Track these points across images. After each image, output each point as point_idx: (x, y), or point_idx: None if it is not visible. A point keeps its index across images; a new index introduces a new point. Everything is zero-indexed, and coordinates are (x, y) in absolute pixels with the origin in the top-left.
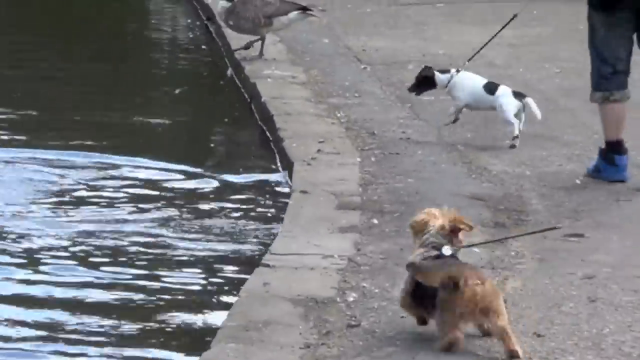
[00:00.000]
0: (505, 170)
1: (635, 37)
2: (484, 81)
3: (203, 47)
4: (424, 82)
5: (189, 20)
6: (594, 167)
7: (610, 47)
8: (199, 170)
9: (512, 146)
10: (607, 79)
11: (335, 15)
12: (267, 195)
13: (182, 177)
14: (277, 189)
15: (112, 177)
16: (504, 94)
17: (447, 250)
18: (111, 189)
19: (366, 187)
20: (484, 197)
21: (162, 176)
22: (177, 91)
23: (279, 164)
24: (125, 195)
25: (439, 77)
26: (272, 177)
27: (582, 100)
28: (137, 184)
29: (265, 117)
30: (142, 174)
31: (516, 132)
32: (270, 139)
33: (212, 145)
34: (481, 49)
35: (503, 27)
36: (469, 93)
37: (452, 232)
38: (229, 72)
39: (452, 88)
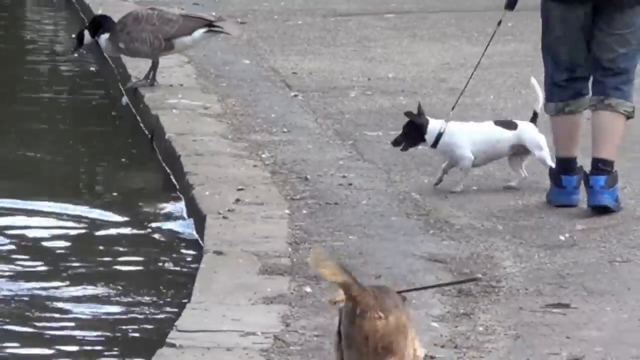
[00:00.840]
0: (471, 224)
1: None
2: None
3: (92, 68)
4: (414, 132)
5: (73, 36)
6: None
7: (567, 48)
8: (84, 224)
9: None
10: (561, 87)
11: (259, 29)
12: (173, 256)
13: (67, 228)
14: (185, 249)
15: None
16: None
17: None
18: None
19: (297, 246)
20: (445, 259)
21: (44, 224)
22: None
23: (186, 217)
24: None
25: (431, 128)
26: (179, 232)
27: None
28: (12, 234)
29: (170, 158)
30: (20, 221)
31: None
32: (177, 185)
33: (103, 191)
34: (471, 76)
35: (490, 41)
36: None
37: None
38: (124, 100)
39: (450, 145)
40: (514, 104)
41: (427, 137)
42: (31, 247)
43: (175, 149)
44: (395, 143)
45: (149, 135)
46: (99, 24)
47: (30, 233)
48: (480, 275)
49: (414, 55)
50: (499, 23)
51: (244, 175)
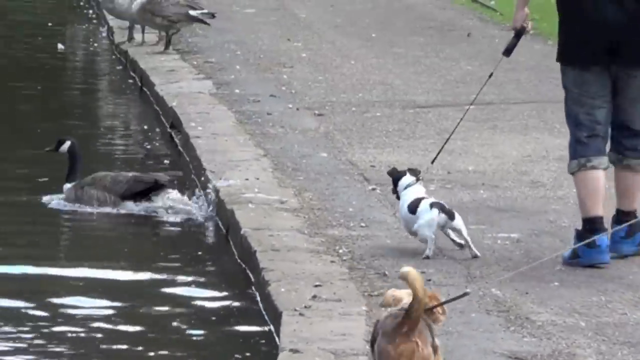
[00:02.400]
0: (553, 321)
1: (612, 98)
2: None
3: (164, 158)
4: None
5: (146, 127)
6: (570, 252)
7: (585, 109)
8: (157, 314)
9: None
10: (583, 144)
11: (336, 121)
12: (247, 355)
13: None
14: (261, 346)
15: None
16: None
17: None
18: None
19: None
20: (526, 356)
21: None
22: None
23: (263, 313)
24: None
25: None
26: (255, 330)
27: None
28: None
29: (245, 254)
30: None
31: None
32: (252, 281)
33: (179, 284)
34: (446, 142)
35: (472, 101)
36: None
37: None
38: (197, 193)
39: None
40: None
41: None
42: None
43: (251, 244)
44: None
45: (224, 230)
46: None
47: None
48: (469, 291)
49: (495, 148)
50: (490, 75)
51: (321, 271)
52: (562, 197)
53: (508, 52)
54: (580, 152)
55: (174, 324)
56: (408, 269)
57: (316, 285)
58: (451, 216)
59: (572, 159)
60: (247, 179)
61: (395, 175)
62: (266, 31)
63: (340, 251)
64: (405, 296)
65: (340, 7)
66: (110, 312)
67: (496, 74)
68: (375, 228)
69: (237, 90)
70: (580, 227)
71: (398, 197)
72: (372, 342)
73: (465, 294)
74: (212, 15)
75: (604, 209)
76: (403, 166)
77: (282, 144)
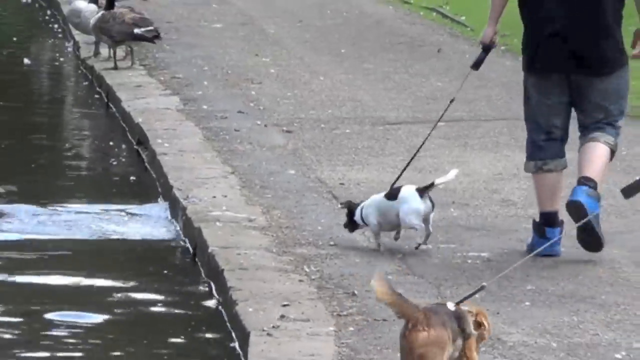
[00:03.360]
0: (524, 342)
1: (570, 103)
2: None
3: (130, 175)
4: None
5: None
6: (529, 244)
7: (544, 113)
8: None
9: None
10: (540, 148)
11: (305, 138)
12: None
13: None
14: None
15: None
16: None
17: (450, 305)
18: None
19: None
20: None
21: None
22: None
23: (231, 333)
24: None
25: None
26: (221, 350)
27: (626, 248)
28: None
29: (212, 272)
30: None
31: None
32: (219, 300)
33: (141, 302)
34: (407, 166)
35: (438, 121)
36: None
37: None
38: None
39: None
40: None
41: (355, 218)
42: None
43: (218, 263)
44: (345, 226)
45: (191, 250)
46: None
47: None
48: (485, 284)
49: (465, 165)
50: (452, 101)
51: (289, 290)
52: (533, 216)
53: (477, 65)
54: (537, 154)
55: (138, 342)
56: (372, 285)
57: (284, 305)
58: (434, 205)
59: (529, 160)
60: (214, 197)
61: (353, 207)
62: (234, 46)
63: (309, 270)
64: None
65: (309, 22)
66: (78, 329)
67: (466, 91)
68: (344, 247)
69: (204, 107)
70: (537, 219)
71: (351, 229)
72: None
73: (482, 288)
74: (157, 35)
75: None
76: (373, 184)
77: (250, 161)
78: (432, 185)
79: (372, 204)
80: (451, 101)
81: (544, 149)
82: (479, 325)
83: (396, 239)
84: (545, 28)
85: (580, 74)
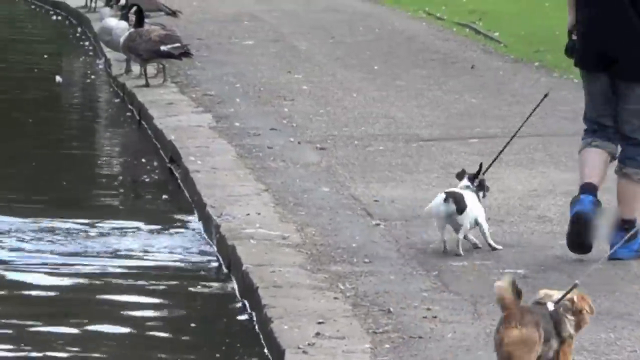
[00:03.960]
0: None
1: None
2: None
3: (163, 193)
4: None
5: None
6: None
7: (593, 108)
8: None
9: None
10: (593, 131)
11: (338, 155)
12: None
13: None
14: None
15: None
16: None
17: (550, 305)
18: None
19: None
20: None
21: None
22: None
23: (266, 353)
24: None
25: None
26: None
27: None
28: None
29: (247, 290)
30: None
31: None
32: (255, 318)
33: (175, 323)
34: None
35: (523, 123)
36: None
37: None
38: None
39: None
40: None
41: None
42: None
43: (252, 281)
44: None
45: (226, 268)
46: None
47: None
48: (578, 282)
49: (500, 182)
50: (546, 95)
51: (324, 308)
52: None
53: (567, 51)
54: (590, 136)
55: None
56: (497, 284)
57: (319, 323)
58: (460, 210)
59: (581, 141)
60: (248, 214)
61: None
62: (265, 63)
63: (344, 287)
64: (555, 293)
65: (340, 39)
66: (112, 344)
67: (500, 107)
68: (379, 264)
69: (236, 124)
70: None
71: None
72: None
73: (575, 286)
74: (187, 52)
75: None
76: (407, 201)
77: (283, 178)
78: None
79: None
80: (545, 95)
81: (595, 132)
82: (579, 312)
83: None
84: (588, 29)
85: (618, 78)
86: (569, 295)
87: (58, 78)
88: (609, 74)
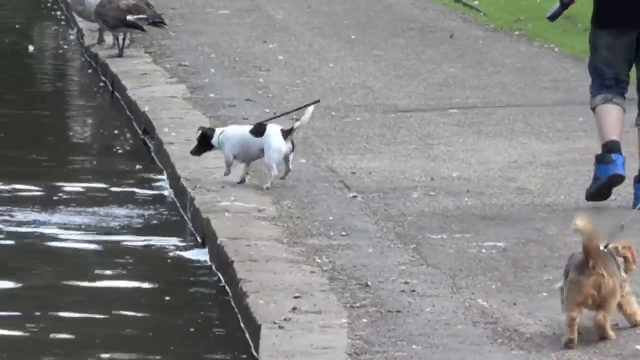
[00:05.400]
0: (542, 333)
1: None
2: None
3: (137, 164)
4: (203, 142)
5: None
6: (593, 179)
7: (611, 69)
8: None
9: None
10: (608, 86)
11: (315, 126)
12: None
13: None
14: None
15: None
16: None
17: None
18: None
19: (357, 357)
20: None
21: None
22: None
23: (242, 326)
24: None
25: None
26: (233, 343)
27: None
28: None
29: (222, 264)
30: None
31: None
32: (230, 293)
33: (149, 297)
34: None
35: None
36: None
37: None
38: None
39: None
40: (586, 204)
41: (213, 142)
42: None
43: (227, 255)
44: (192, 152)
45: (200, 240)
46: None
47: None
48: (623, 223)
49: (480, 153)
50: (317, 101)
51: (300, 282)
52: (550, 204)
53: (553, 18)
54: (604, 90)
55: (148, 334)
56: (578, 223)
57: (296, 297)
58: (294, 147)
59: (595, 96)
60: (222, 187)
61: (209, 132)
62: (241, 33)
63: (320, 261)
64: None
65: (317, 7)
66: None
67: (480, 77)
68: (357, 237)
69: (211, 95)
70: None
71: (199, 154)
72: (566, 274)
73: (621, 227)
74: (155, 22)
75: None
76: (385, 173)
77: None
78: (292, 129)
79: (234, 134)
80: (316, 101)
81: (611, 87)
82: (625, 259)
83: (243, 179)
84: None
85: None
86: (612, 243)
87: (31, 48)
88: (636, 35)
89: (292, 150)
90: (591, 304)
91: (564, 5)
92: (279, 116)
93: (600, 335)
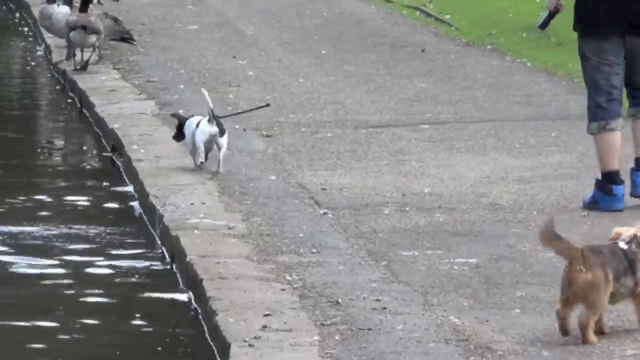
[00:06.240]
0: (514, 350)
1: (624, 64)
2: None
3: (104, 181)
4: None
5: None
6: (590, 198)
7: (604, 75)
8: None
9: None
10: (602, 109)
11: (285, 143)
12: None
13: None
14: None
15: None
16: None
17: (622, 243)
18: None
19: None
20: None
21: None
22: None
23: (211, 345)
24: None
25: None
26: None
27: None
28: None
29: (191, 282)
30: None
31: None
32: (199, 311)
33: (118, 316)
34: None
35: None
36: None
37: None
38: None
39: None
40: (558, 220)
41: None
42: None
43: (197, 272)
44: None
45: (169, 258)
46: None
47: None
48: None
49: (452, 169)
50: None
51: (270, 299)
52: (522, 220)
53: (543, 26)
54: (600, 115)
55: (116, 353)
56: (537, 237)
57: (266, 315)
58: (222, 132)
59: (591, 121)
60: (192, 204)
61: (183, 119)
62: (210, 48)
63: (291, 279)
64: (624, 231)
65: (288, 23)
66: (45, 333)
67: (452, 92)
68: (327, 254)
69: (181, 111)
70: (599, 178)
71: (179, 140)
72: None
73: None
74: (124, 38)
75: (621, 165)
76: (356, 189)
77: (229, 166)
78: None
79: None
80: (266, 105)
81: (606, 109)
82: None
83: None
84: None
85: (634, 35)
86: (634, 232)
87: None
88: (623, 36)
89: (221, 134)
90: (573, 300)
91: (551, 14)
92: (227, 116)
93: (582, 338)
